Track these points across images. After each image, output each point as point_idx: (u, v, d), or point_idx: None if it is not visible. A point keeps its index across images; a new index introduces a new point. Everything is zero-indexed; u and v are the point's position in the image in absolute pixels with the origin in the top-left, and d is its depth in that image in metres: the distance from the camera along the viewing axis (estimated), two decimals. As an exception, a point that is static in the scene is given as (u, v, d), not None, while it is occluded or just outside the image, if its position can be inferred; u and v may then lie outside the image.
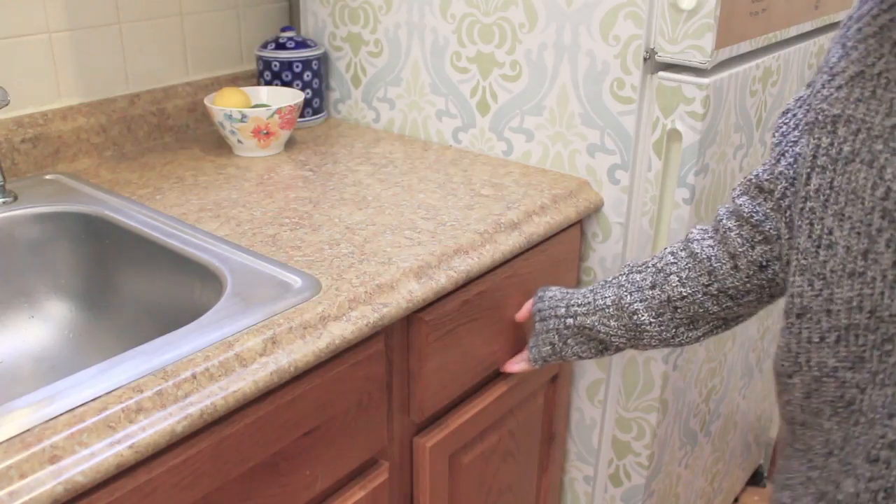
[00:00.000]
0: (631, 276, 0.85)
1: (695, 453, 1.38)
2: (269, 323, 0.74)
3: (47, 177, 1.09)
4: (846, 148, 0.57)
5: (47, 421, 0.61)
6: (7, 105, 0.99)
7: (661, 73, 1.02)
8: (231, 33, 1.34)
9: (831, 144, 0.59)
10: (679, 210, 1.06)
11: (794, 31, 1.21)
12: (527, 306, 0.99)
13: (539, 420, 1.18)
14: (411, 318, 0.87)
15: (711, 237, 0.79)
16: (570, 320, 0.90)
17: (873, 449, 0.57)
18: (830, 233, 0.59)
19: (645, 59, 1.03)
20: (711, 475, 1.52)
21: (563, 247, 1.08)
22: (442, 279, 0.88)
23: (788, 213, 0.67)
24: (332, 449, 0.82)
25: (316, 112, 1.35)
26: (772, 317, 1.58)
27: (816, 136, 0.61)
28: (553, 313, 0.93)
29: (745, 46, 1.07)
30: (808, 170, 0.61)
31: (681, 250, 0.82)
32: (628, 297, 0.84)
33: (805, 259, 0.61)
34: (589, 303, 0.89)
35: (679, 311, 0.81)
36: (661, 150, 1.05)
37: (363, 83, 1.34)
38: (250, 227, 0.95)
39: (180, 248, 0.89)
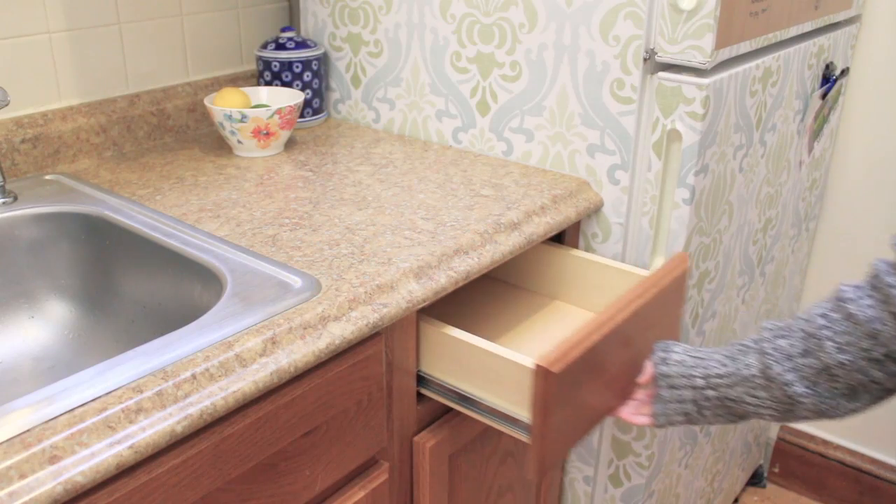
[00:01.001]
0: (777, 342, 0.78)
1: (695, 453, 1.38)
2: (269, 323, 0.74)
3: (47, 177, 1.09)
4: None
5: (47, 421, 0.61)
6: (7, 105, 0.99)
7: (661, 74, 1.02)
8: (231, 33, 1.34)
9: None
10: (679, 210, 1.06)
11: (794, 31, 1.21)
12: (649, 368, 0.92)
13: (539, 420, 1.18)
14: (539, 371, 0.80)
15: (870, 296, 0.71)
16: (710, 392, 0.83)
17: None
18: None
19: (645, 60, 1.03)
20: (711, 475, 1.52)
21: (675, 284, 0.99)
22: (442, 279, 0.88)
23: None
24: (332, 449, 0.82)
25: (316, 112, 1.35)
26: (772, 317, 1.58)
27: None
28: (688, 383, 0.85)
29: (745, 47, 1.07)
30: None
31: (833, 311, 0.74)
32: (777, 366, 0.76)
33: None
34: (732, 373, 0.81)
35: (838, 380, 0.74)
36: (661, 151, 1.05)
37: (363, 83, 1.34)
38: (250, 228, 0.95)
39: (180, 249, 0.89)
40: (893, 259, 0.70)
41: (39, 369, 0.94)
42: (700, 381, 0.84)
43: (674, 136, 1.04)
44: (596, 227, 1.14)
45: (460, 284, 0.90)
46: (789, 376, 0.76)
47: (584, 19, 1.06)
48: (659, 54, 1.02)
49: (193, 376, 0.67)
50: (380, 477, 0.90)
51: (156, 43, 1.24)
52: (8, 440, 0.58)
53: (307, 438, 0.78)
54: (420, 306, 0.85)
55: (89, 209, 0.98)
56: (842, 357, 0.72)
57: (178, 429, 0.64)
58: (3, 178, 1.00)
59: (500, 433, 1.09)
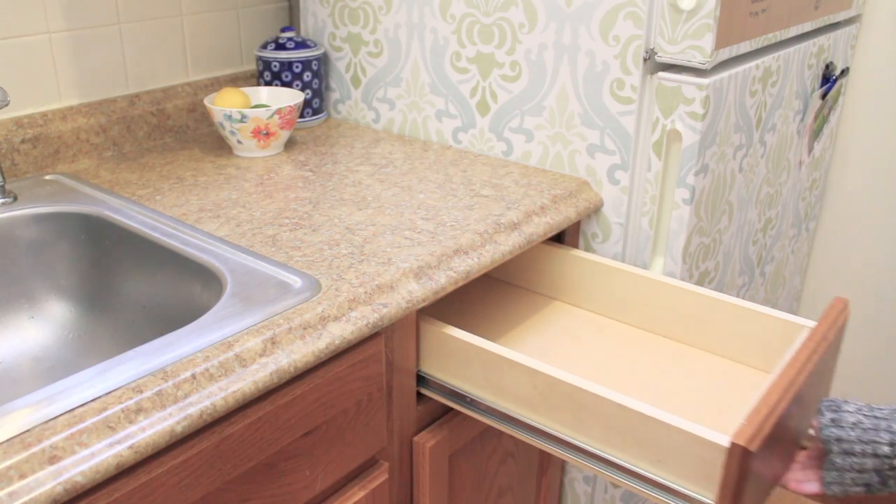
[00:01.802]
0: None
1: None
2: (268, 323, 0.74)
3: (47, 177, 1.09)
4: None
5: (47, 421, 0.61)
6: (7, 105, 0.99)
7: (661, 74, 1.02)
8: (231, 33, 1.34)
9: None
10: (679, 210, 1.06)
11: (794, 31, 1.21)
12: (816, 429, 0.82)
13: (539, 420, 1.18)
14: (734, 448, 0.70)
15: None
16: None
17: None
18: None
19: (645, 60, 1.03)
20: (711, 475, 1.52)
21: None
22: (442, 279, 0.88)
23: None
24: (332, 449, 0.82)
25: (316, 112, 1.35)
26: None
27: None
28: (870, 450, 0.76)
29: (744, 47, 1.07)
30: None
31: None
32: None
33: None
34: None
35: None
36: (661, 151, 1.05)
37: (363, 83, 1.34)
38: (250, 228, 0.95)
39: (180, 249, 0.89)
40: None
41: (39, 369, 0.94)
42: (886, 448, 0.75)
43: (674, 136, 1.04)
44: (596, 227, 1.14)
45: (460, 284, 0.90)
46: None
47: (584, 19, 1.06)
48: (659, 54, 1.02)
49: (193, 376, 0.67)
50: (380, 477, 0.90)
51: (156, 43, 1.24)
52: (8, 440, 0.58)
53: (307, 438, 0.78)
54: (420, 306, 0.85)
55: (89, 209, 0.98)
56: None
57: (178, 429, 0.64)
58: (3, 178, 1.00)
59: (500, 433, 1.09)
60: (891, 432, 0.75)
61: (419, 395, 0.95)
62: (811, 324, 0.92)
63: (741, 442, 0.68)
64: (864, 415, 0.78)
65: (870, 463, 0.76)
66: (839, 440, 0.77)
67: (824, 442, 0.79)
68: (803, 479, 0.83)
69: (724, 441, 0.71)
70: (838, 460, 0.78)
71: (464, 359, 0.90)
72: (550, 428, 0.85)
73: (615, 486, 1.25)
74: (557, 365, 1.00)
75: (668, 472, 0.77)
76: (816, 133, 1.46)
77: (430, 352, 0.93)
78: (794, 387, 0.76)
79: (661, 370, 0.99)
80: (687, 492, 0.76)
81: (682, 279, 1.10)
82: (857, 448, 0.77)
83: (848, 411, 0.79)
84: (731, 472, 0.70)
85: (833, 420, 0.79)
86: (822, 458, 0.82)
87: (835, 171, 1.62)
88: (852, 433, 0.77)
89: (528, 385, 0.85)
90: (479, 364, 0.89)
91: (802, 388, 0.78)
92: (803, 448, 0.84)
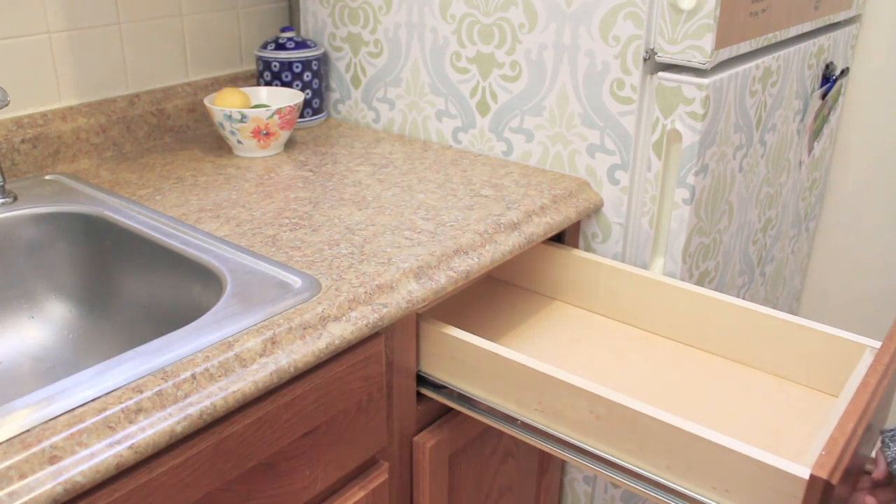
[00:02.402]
0: None
1: (695, 453, 1.38)
2: (268, 323, 0.74)
3: (47, 177, 1.09)
4: None
5: (47, 421, 0.61)
6: (7, 105, 0.99)
7: (661, 74, 1.02)
8: (231, 33, 1.34)
9: None
10: (679, 210, 1.06)
11: (794, 31, 1.21)
12: (881, 463, 0.78)
13: (539, 420, 1.18)
14: (814, 481, 0.67)
15: None
16: None
17: None
18: None
19: (645, 60, 1.03)
20: (711, 475, 1.51)
21: None
22: (442, 279, 0.88)
23: None
24: (332, 449, 0.82)
25: (316, 112, 1.35)
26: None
27: None
28: None
29: (744, 47, 1.07)
30: None
31: None
32: None
33: None
34: None
35: None
36: (661, 151, 1.05)
37: (363, 83, 1.34)
38: (250, 228, 0.95)
39: (180, 249, 0.89)
40: None
41: (39, 369, 0.94)
42: None
43: (674, 136, 1.04)
44: (596, 227, 1.14)
45: (460, 284, 0.90)
46: None
47: (584, 19, 1.06)
48: (659, 54, 1.02)
49: (193, 376, 0.67)
50: (380, 477, 0.90)
51: (156, 43, 1.24)
52: (8, 440, 0.58)
53: (307, 438, 0.78)
54: (420, 306, 0.85)
55: (89, 209, 0.98)
56: None
57: (178, 429, 0.64)
58: (3, 178, 1.00)
59: (500, 433, 1.09)
60: None
61: (419, 395, 0.95)
62: (875, 344, 0.88)
63: (823, 475, 0.64)
64: None
65: None
66: None
67: (892, 476, 0.75)
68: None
69: (804, 473, 0.68)
70: None
71: (464, 359, 0.90)
72: (552, 429, 0.85)
73: (615, 485, 1.25)
74: (558, 365, 1.00)
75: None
76: (816, 133, 1.46)
77: (430, 352, 0.93)
78: (868, 414, 0.72)
79: (686, 379, 0.97)
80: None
81: (682, 279, 1.10)
82: None
83: None
84: None
85: None
86: (886, 486, 0.78)
87: (835, 171, 1.62)
88: None
89: (531, 391, 0.85)
90: (479, 364, 0.89)
91: (873, 415, 0.74)
92: (867, 473, 0.80)
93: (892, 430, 0.77)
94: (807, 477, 0.66)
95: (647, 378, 0.97)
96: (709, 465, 0.73)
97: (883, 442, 0.76)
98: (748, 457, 0.70)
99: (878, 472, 0.77)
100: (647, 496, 0.78)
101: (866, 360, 0.84)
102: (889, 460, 0.75)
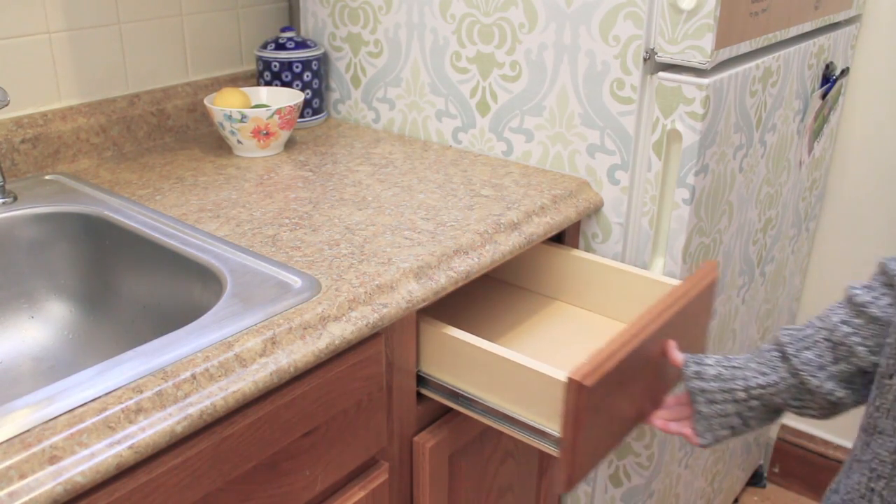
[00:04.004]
0: (803, 354, 0.79)
1: (695, 453, 1.38)
2: (268, 323, 0.74)
3: (47, 177, 1.09)
4: None
5: (47, 421, 0.61)
6: (7, 105, 0.99)
7: (661, 74, 1.02)
8: (231, 33, 1.34)
9: None
10: (679, 210, 1.06)
11: (794, 31, 1.21)
12: (683, 384, 0.90)
13: (539, 420, 1.18)
14: (572, 383, 0.79)
15: (886, 294, 0.74)
16: (754, 402, 0.83)
17: None
18: None
19: (645, 60, 1.03)
20: (711, 475, 1.52)
21: (704, 294, 1.00)
22: (442, 279, 0.88)
23: None
24: (332, 449, 0.82)
25: (316, 112, 1.35)
26: (772, 317, 1.58)
27: None
28: (730, 397, 0.85)
29: (745, 47, 1.07)
30: None
31: (854, 317, 0.75)
32: (814, 379, 0.78)
33: None
34: (772, 383, 0.81)
35: (868, 374, 0.76)
36: (661, 151, 1.05)
37: (363, 83, 1.34)
38: (250, 228, 0.95)
39: (180, 249, 0.89)
40: None
41: (39, 369, 0.94)
42: (741, 394, 0.83)
43: (674, 136, 1.04)
44: (596, 227, 1.14)
45: (460, 284, 0.90)
46: (829, 385, 0.77)
47: (584, 19, 1.06)
48: (659, 54, 1.02)
49: (193, 376, 0.67)
50: (380, 477, 0.90)
51: (156, 43, 1.24)
52: (8, 440, 0.58)
53: (307, 438, 0.78)
54: (420, 306, 0.85)
55: (89, 209, 0.98)
56: (874, 358, 0.74)
57: (178, 429, 0.64)
58: (3, 178, 1.00)
59: (500, 433, 1.09)
60: (744, 380, 0.83)
61: (419, 395, 0.95)
62: (676, 282, 1.02)
63: (576, 377, 0.77)
64: (724, 367, 0.86)
65: (731, 408, 0.85)
66: (703, 391, 0.86)
67: (690, 393, 0.87)
68: (668, 419, 0.92)
69: (563, 377, 0.81)
70: (704, 409, 0.86)
71: (464, 359, 0.90)
72: (549, 428, 0.85)
73: (615, 485, 1.25)
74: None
75: (526, 410, 0.88)
76: (816, 133, 1.46)
77: (430, 352, 0.93)
78: (641, 335, 0.85)
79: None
80: (542, 427, 0.87)
81: (682, 279, 1.10)
82: (718, 397, 0.85)
83: (709, 365, 0.87)
84: (570, 405, 0.79)
85: (697, 373, 0.87)
86: (687, 404, 0.90)
87: (835, 171, 1.62)
88: (714, 384, 0.85)
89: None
90: (479, 364, 0.89)
91: (653, 338, 0.87)
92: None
93: (694, 356, 0.88)
94: (564, 380, 0.80)
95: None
96: (506, 380, 0.88)
97: (685, 364, 0.87)
98: (526, 367, 0.86)
99: (682, 393, 0.91)
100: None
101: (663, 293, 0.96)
102: (685, 379, 0.88)
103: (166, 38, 1.25)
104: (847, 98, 1.56)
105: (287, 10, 1.43)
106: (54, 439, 0.59)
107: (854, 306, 0.76)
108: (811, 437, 1.78)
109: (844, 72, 1.48)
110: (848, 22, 1.46)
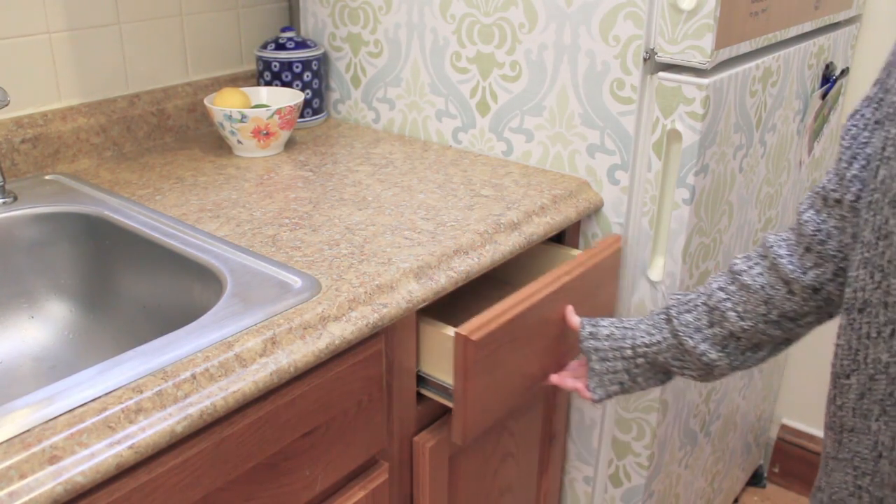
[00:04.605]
0: (683, 317, 0.84)
1: (695, 454, 1.38)
2: (268, 323, 0.74)
3: (47, 177, 1.09)
4: None
5: (47, 421, 0.61)
6: (7, 105, 0.99)
7: (661, 74, 1.02)
8: (231, 33, 1.34)
9: None
10: (679, 210, 1.06)
11: (794, 31, 1.21)
12: (573, 324, 0.96)
13: (539, 420, 1.18)
14: (458, 338, 0.84)
15: (759, 264, 0.79)
16: (640, 360, 0.89)
17: None
18: (886, 222, 0.59)
19: (645, 60, 1.03)
20: (711, 475, 1.52)
21: (607, 261, 1.05)
22: (442, 280, 0.88)
23: (861, 215, 0.64)
24: (333, 449, 0.82)
25: (316, 112, 1.35)
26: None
27: (887, 128, 0.60)
28: (619, 354, 0.91)
29: (745, 47, 1.07)
30: (878, 162, 0.61)
31: (729, 284, 0.81)
32: (690, 340, 0.83)
33: (867, 252, 0.61)
34: (655, 342, 0.87)
35: (742, 340, 0.81)
36: (661, 151, 1.05)
37: (363, 83, 1.34)
38: (250, 228, 0.95)
39: (180, 249, 0.89)
40: (790, 231, 0.76)
41: (39, 369, 0.94)
42: (629, 352, 0.89)
43: (674, 136, 1.04)
44: (596, 227, 1.14)
45: (460, 284, 0.90)
46: (702, 346, 0.83)
47: (584, 19, 1.06)
48: (659, 54, 1.02)
49: (193, 376, 0.67)
50: (380, 477, 0.90)
51: (156, 43, 1.24)
52: (8, 440, 0.58)
53: (307, 438, 0.78)
54: (420, 306, 0.85)
55: (89, 209, 0.98)
56: (743, 324, 0.80)
57: (178, 429, 0.64)
58: (3, 178, 1.00)
59: (500, 433, 1.09)
60: (633, 339, 0.89)
61: (419, 395, 0.95)
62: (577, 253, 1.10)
63: (463, 332, 0.83)
64: (616, 328, 0.91)
65: (620, 365, 0.91)
66: (596, 350, 0.92)
67: (585, 352, 0.93)
68: (566, 377, 0.98)
69: (452, 333, 0.87)
70: (596, 367, 0.92)
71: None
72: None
73: (615, 486, 1.25)
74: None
75: (432, 369, 0.94)
76: (816, 133, 1.46)
77: (430, 352, 0.93)
78: (533, 297, 0.92)
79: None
80: (442, 382, 0.92)
81: (682, 279, 1.10)
82: (609, 354, 0.91)
83: (603, 326, 0.93)
84: (458, 357, 0.85)
85: (591, 334, 0.93)
86: (585, 365, 0.96)
87: (835, 171, 1.61)
88: (606, 343, 0.91)
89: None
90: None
91: (548, 301, 0.94)
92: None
93: (590, 319, 0.94)
94: (453, 335, 0.86)
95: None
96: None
97: (581, 326, 0.93)
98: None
99: (583, 358, 0.96)
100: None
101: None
102: (583, 337, 0.93)
103: (166, 38, 1.25)
104: (847, 98, 1.56)
105: (287, 10, 1.43)
106: (54, 439, 0.59)
107: (731, 274, 0.81)
108: (811, 437, 1.78)
109: (844, 72, 1.48)
110: (848, 22, 1.46)
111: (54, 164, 1.13)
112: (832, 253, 0.71)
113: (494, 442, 1.08)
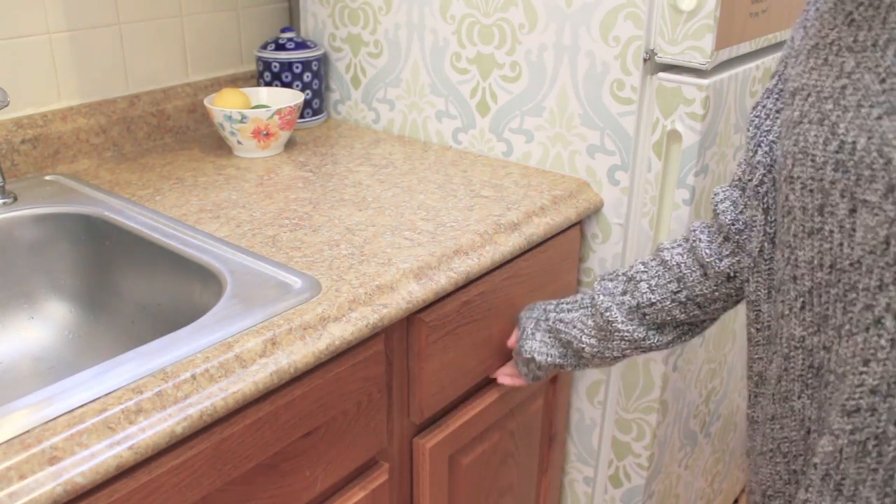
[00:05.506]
0: (603, 282, 0.88)
1: (695, 454, 1.38)
2: (268, 324, 0.74)
3: (47, 177, 1.09)
4: (796, 113, 0.60)
5: (47, 422, 0.61)
6: (7, 106, 0.99)
7: (661, 74, 1.02)
8: (231, 34, 1.34)
9: (789, 116, 0.61)
10: (679, 211, 1.06)
11: (793, 31, 1.21)
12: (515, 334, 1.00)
13: (539, 421, 1.18)
14: (412, 319, 0.87)
15: (681, 245, 0.82)
16: (551, 315, 0.93)
17: (850, 400, 0.57)
18: (787, 199, 0.61)
19: (645, 60, 1.03)
20: (711, 476, 1.52)
21: (563, 247, 1.09)
22: (442, 280, 0.88)
23: (766, 199, 0.68)
24: (332, 450, 0.82)
25: (316, 113, 1.35)
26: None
27: (785, 113, 0.62)
28: (542, 316, 0.95)
29: (744, 47, 1.07)
30: (775, 143, 0.64)
31: (651, 260, 0.85)
32: (600, 297, 0.87)
33: (780, 232, 0.63)
34: (573, 301, 0.92)
35: (647, 317, 0.84)
36: (661, 151, 1.05)
37: (363, 84, 1.34)
38: (250, 228, 0.95)
39: (180, 249, 0.89)
40: (710, 221, 0.78)
41: (39, 370, 0.94)
42: (553, 315, 0.93)
43: (674, 136, 1.04)
44: (596, 228, 1.14)
45: (460, 285, 0.90)
46: (607, 303, 0.86)
47: (584, 20, 1.06)
48: (659, 55, 1.02)
49: (193, 377, 0.67)
50: (380, 477, 0.90)
51: (156, 43, 1.24)
52: (8, 441, 0.58)
53: (307, 439, 0.78)
54: (420, 307, 0.85)
55: (89, 210, 0.98)
56: (652, 296, 0.82)
57: (178, 429, 0.64)
58: (3, 178, 1.00)
59: (500, 434, 1.09)
60: (557, 303, 0.94)
61: (419, 395, 0.95)
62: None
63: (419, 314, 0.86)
64: (551, 303, 0.95)
65: (530, 326, 0.95)
66: (528, 317, 0.96)
67: (517, 322, 0.98)
68: (505, 373, 1.02)
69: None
70: (520, 343, 0.96)
71: (463, 359, 0.90)
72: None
73: (615, 486, 1.25)
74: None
75: None
76: (816, 134, 1.46)
77: (430, 352, 0.93)
78: (486, 282, 0.95)
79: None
80: None
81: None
82: (535, 314, 0.95)
83: (539, 304, 0.96)
84: (415, 339, 0.89)
85: (526, 311, 0.98)
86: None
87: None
88: (534, 314, 0.96)
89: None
90: (479, 364, 0.90)
91: (500, 286, 0.97)
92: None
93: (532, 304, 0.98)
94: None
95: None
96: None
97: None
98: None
99: (512, 340, 1.00)
100: None
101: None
102: (518, 317, 0.98)
103: (166, 38, 1.25)
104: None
105: (287, 11, 1.43)
106: (54, 440, 0.59)
107: (655, 252, 0.85)
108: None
109: (844, 72, 1.47)
110: (848, 22, 1.46)
111: (54, 165, 1.13)
112: (745, 242, 0.73)
113: (494, 443, 1.08)
